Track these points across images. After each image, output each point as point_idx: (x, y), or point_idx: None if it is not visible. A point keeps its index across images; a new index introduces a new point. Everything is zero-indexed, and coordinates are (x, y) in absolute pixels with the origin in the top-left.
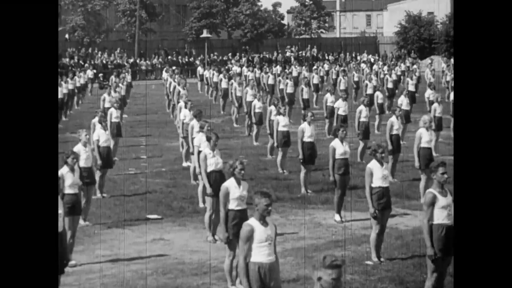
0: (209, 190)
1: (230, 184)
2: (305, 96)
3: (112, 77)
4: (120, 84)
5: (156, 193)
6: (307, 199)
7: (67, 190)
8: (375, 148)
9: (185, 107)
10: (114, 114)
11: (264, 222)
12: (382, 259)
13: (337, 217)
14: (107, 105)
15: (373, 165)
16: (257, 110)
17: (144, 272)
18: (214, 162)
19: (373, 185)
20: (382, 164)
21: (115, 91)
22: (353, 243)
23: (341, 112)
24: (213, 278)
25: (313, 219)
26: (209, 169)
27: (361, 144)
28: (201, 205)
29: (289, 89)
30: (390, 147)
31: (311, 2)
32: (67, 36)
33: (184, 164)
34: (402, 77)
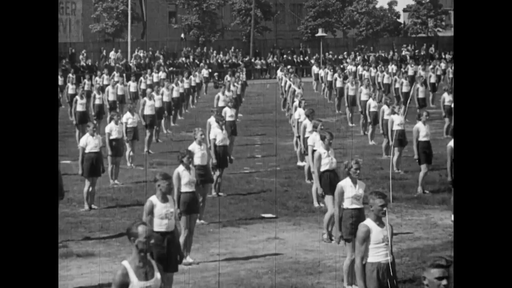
0: (320, 190)
1: (345, 183)
2: (421, 95)
3: (227, 76)
4: (235, 83)
5: (271, 192)
6: (423, 199)
7: (183, 189)
8: None
9: (299, 106)
10: (228, 113)
11: (380, 223)
12: None
13: (453, 218)
14: (221, 104)
15: None
16: (372, 109)
17: (259, 271)
18: (328, 161)
19: None
20: None
21: (229, 90)
22: None
23: None
24: (327, 277)
25: (430, 219)
26: (323, 169)
27: None
28: (315, 204)
29: (405, 88)
30: None
31: (427, 0)
32: (182, 35)
33: (299, 163)
34: None
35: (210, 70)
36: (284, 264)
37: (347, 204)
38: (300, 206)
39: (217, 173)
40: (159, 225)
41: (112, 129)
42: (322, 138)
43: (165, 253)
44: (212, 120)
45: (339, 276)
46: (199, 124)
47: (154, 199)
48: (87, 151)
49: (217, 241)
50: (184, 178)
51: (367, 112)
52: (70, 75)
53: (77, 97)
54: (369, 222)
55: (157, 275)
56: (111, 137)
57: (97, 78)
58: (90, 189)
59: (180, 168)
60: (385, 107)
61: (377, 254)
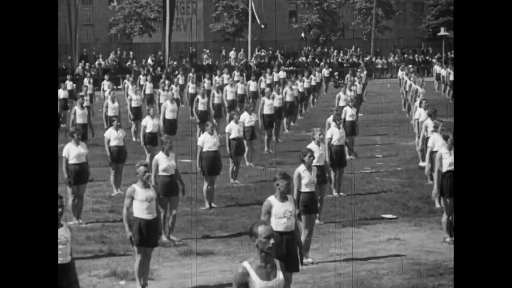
0: (435, 192)
1: None
2: None
3: (348, 75)
4: (355, 83)
5: (391, 193)
6: None
7: (304, 189)
8: None
9: (420, 106)
10: (348, 112)
11: None
12: None
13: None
14: (342, 103)
15: None
16: None
17: (379, 272)
18: (450, 162)
19: None
20: None
21: (350, 90)
22: None
23: None
24: (449, 279)
25: None
26: (444, 169)
27: None
28: (437, 205)
29: None
30: None
31: None
32: (302, 34)
33: (421, 163)
34: None
35: (330, 70)
36: (405, 265)
37: None
38: (421, 206)
39: (332, 173)
40: (278, 225)
41: (232, 129)
42: (445, 138)
43: (284, 253)
44: (331, 119)
45: None
46: (319, 124)
47: (272, 199)
48: (204, 149)
49: (337, 241)
50: (305, 178)
51: None
52: (191, 74)
53: (199, 96)
54: None
55: (280, 275)
56: (231, 137)
57: (216, 77)
58: (209, 187)
59: (301, 168)
60: None
61: None
